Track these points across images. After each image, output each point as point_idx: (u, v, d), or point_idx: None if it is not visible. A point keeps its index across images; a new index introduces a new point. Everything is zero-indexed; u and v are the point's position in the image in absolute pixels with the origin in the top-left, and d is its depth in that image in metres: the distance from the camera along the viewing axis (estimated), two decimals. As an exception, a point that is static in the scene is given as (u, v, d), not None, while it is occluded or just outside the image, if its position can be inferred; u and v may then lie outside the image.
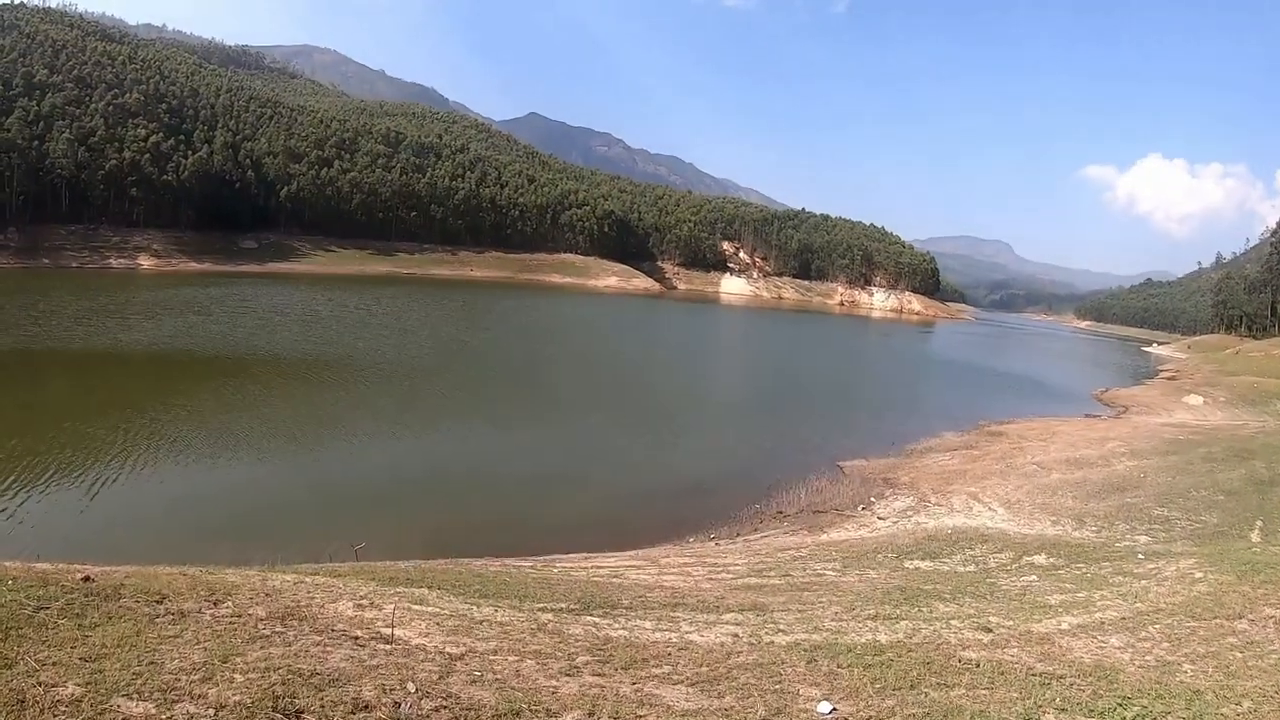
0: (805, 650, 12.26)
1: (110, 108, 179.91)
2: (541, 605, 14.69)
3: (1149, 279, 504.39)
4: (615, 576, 20.90)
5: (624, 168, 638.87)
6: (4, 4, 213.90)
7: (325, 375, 62.70)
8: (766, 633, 13.52)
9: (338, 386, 59.05)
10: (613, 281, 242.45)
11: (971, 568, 22.42)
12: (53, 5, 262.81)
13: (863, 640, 13.11)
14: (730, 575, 21.50)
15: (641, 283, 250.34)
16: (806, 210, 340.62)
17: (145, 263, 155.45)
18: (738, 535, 32.06)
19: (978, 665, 11.57)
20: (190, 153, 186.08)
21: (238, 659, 8.96)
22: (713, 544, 30.12)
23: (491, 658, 10.80)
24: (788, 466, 44.90)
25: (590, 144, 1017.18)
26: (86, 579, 11.44)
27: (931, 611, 15.48)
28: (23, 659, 8.00)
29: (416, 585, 15.78)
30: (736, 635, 13.30)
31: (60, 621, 9.31)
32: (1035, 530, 30.49)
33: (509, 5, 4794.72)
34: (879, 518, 34.48)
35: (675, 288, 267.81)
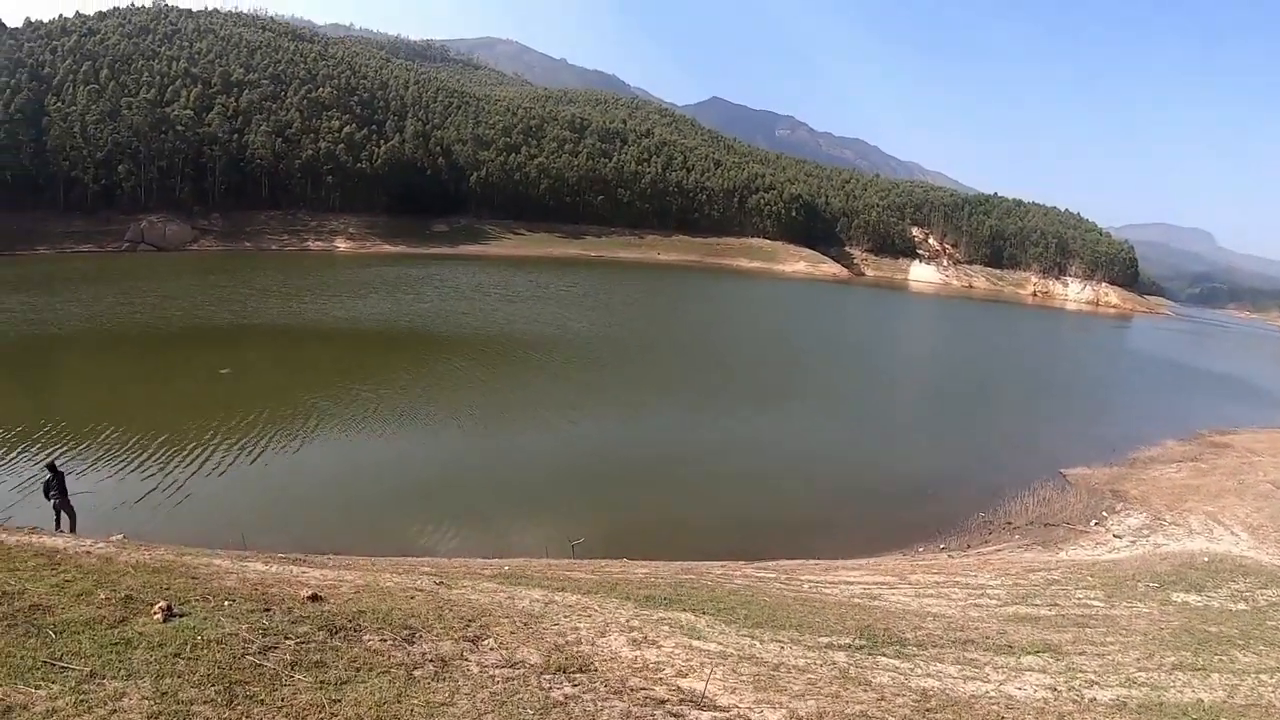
0: (1134, 712, 11.83)
1: (305, 102, 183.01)
2: (826, 639, 13.80)
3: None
4: (873, 599, 19.79)
5: (809, 151, 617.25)
6: (200, 10, 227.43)
7: (533, 355, 62.74)
8: (1080, 684, 12.83)
9: (547, 367, 59.20)
10: (800, 267, 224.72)
11: (1242, 605, 20.81)
12: (245, 10, 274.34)
13: (1186, 699, 12.62)
14: (994, 601, 20.28)
15: (829, 268, 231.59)
16: (998, 195, 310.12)
17: (342, 245, 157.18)
18: (969, 547, 30.53)
19: None
20: (382, 142, 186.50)
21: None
22: (945, 556, 28.79)
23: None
24: (1007, 470, 42.25)
25: (774, 127, 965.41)
26: (314, 598, 11.00)
27: (1233, 662, 14.93)
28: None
29: (676, 607, 15.07)
30: (1054, 689, 12.50)
31: (297, 676, 8.12)
32: (1292, 562, 27.57)
33: None
34: (1114, 535, 32.50)
35: (863, 274, 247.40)
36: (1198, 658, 14.91)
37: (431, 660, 9.49)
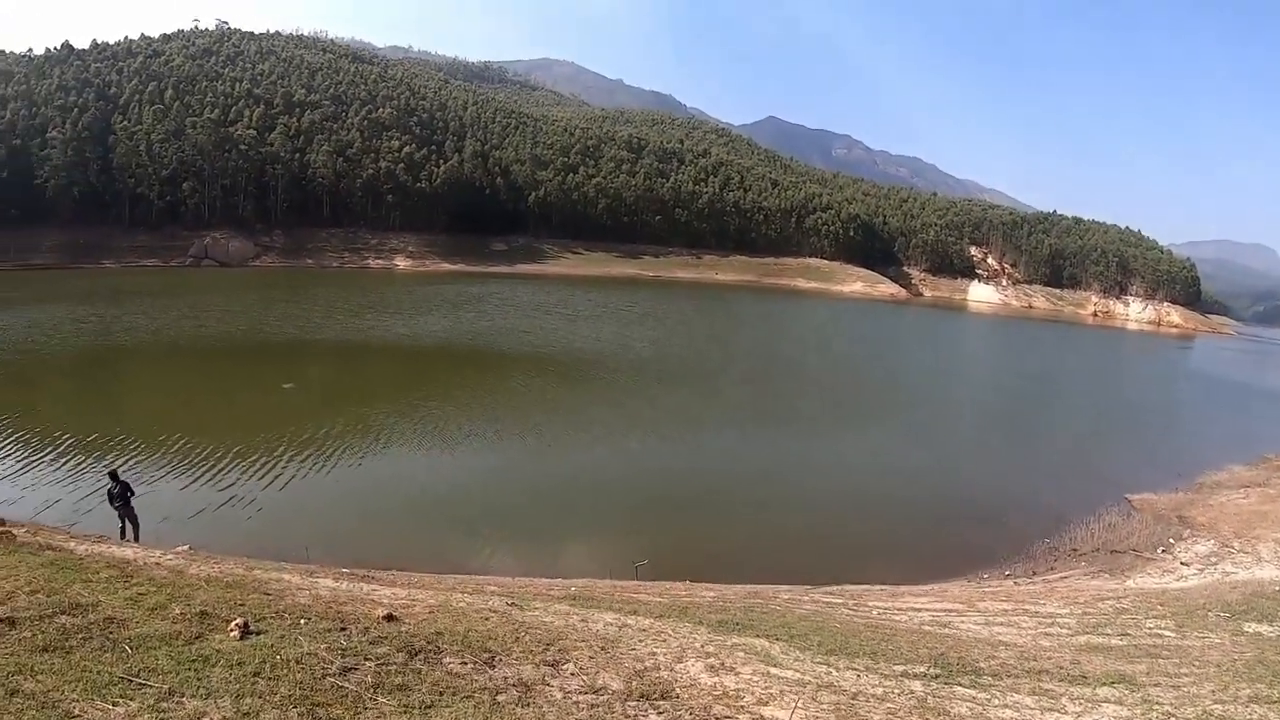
0: None
1: (365, 122, 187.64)
2: (901, 667, 13.51)
3: None
4: (943, 626, 19.45)
5: (865, 170, 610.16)
6: (262, 33, 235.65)
7: (594, 373, 62.82)
8: (1156, 716, 12.31)
9: (608, 386, 59.11)
10: (858, 287, 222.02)
11: None
12: (306, 33, 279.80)
13: None
14: (1064, 630, 19.66)
15: (887, 289, 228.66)
16: (1057, 212, 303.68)
17: (401, 263, 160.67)
18: (1034, 574, 30.06)
19: None
20: (442, 162, 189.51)
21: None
22: (1010, 583, 28.35)
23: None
24: (1069, 495, 41.16)
25: (830, 146, 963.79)
26: (389, 617, 10.89)
27: None
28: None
29: (748, 633, 14.90)
30: None
31: (380, 699, 7.87)
32: (1364, 593, 26.13)
33: (743, 10, 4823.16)
34: (1182, 563, 31.72)
35: (921, 294, 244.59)
36: (1273, 689, 14.50)
37: (514, 685, 9.19)
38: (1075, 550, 33.35)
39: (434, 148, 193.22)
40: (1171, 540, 34.70)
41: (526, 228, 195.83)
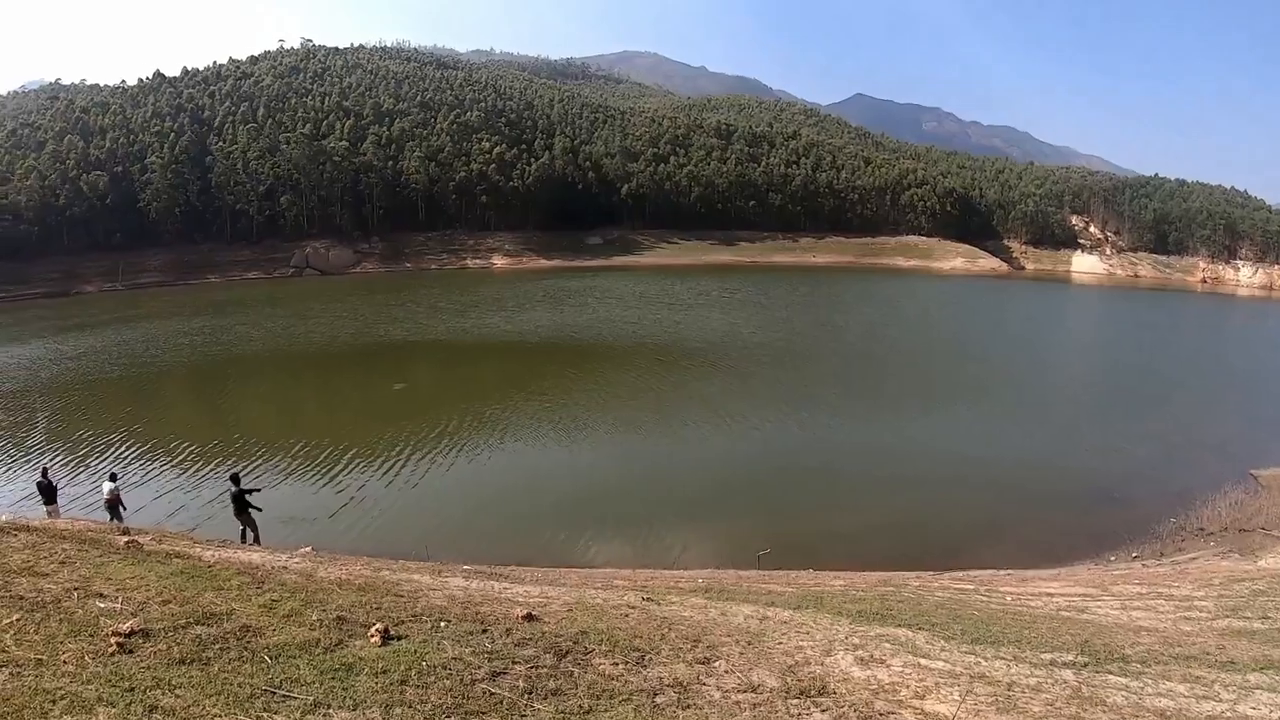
0: None
1: (454, 126, 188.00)
2: (1048, 655, 12.97)
3: None
4: (1080, 611, 19.10)
5: (958, 142, 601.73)
6: (346, 47, 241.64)
7: (701, 361, 62.52)
8: None
9: (715, 373, 58.39)
10: (958, 263, 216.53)
11: None
12: (389, 44, 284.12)
13: None
14: (1203, 614, 19.13)
15: (988, 263, 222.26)
16: (1159, 176, 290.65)
17: (498, 262, 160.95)
18: (1162, 555, 29.62)
19: None
20: (533, 160, 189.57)
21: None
22: (1139, 565, 28.07)
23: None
24: (1192, 471, 40.12)
25: (920, 120, 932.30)
26: (529, 617, 10.72)
27: None
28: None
29: (888, 622, 14.68)
30: None
31: (536, 705, 7.52)
32: None
33: None
34: None
35: (1023, 267, 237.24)
36: None
37: (670, 685, 8.73)
38: (1202, 529, 32.80)
39: (524, 146, 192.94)
40: (1302, 518, 33.64)
41: (620, 220, 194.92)
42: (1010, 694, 10.64)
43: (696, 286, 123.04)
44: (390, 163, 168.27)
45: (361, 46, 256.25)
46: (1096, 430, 48.66)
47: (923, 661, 11.81)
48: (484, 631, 9.61)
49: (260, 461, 33.81)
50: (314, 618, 9.07)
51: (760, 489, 33.98)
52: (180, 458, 34.40)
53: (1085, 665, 12.78)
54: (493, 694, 7.47)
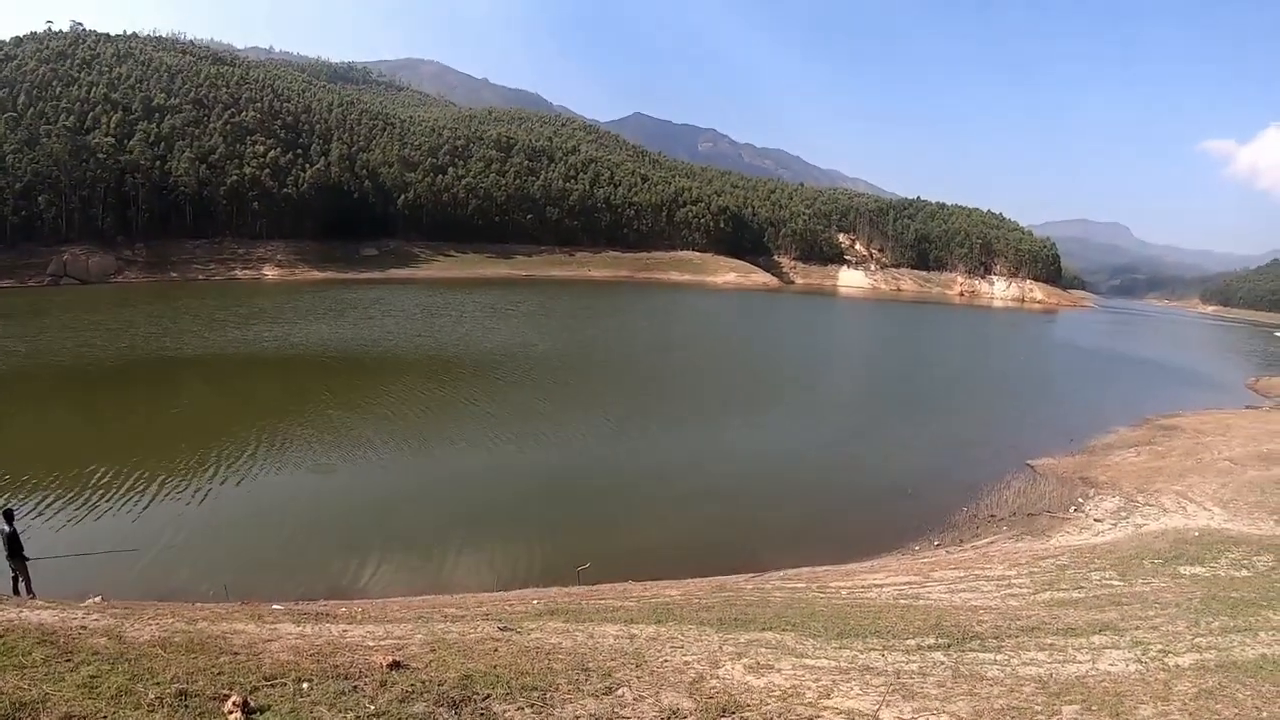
0: (1216, 671, 12.21)
1: (228, 126, 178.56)
2: (913, 641, 13.95)
3: (1276, 259, 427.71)
4: (914, 599, 19.92)
5: (731, 162, 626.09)
6: (119, 34, 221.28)
7: (491, 374, 62.23)
8: (1155, 654, 13.32)
9: (505, 388, 57.74)
10: (731, 278, 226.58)
11: (1245, 572, 21.84)
12: (164, 35, 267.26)
13: (1251, 655, 13.15)
14: (1024, 590, 20.86)
15: (759, 278, 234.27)
16: (921, 198, 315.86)
17: (270, 273, 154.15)
18: (961, 542, 31.02)
19: None
20: (308, 166, 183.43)
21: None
22: (943, 552, 29.23)
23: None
24: (976, 466, 43.38)
25: (696, 141, 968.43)
26: (395, 665, 9.65)
27: (1269, 620, 15.65)
28: None
29: (752, 627, 15.01)
30: (1140, 662, 12.96)
31: None
32: (1267, 530, 29.27)
33: (606, 6, 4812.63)
34: (1095, 520, 33.50)
35: (793, 282, 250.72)
36: (1236, 620, 15.70)
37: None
38: (994, 516, 35.05)
39: (299, 152, 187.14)
40: (1080, 499, 37.08)
41: (396, 231, 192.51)
42: (902, 681, 11.18)
43: (481, 300, 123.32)
44: (159, 163, 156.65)
45: (135, 35, 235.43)
46: (886, 432, 51.89)
47: (807, 661, 12.40)
48: (355, 689, 8.66)
49: (17, 496, 30.23)
50: (151, 696, 7.81)
51: (563, 503, 33.76)
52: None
53: (949, 646, 13.69)
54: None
